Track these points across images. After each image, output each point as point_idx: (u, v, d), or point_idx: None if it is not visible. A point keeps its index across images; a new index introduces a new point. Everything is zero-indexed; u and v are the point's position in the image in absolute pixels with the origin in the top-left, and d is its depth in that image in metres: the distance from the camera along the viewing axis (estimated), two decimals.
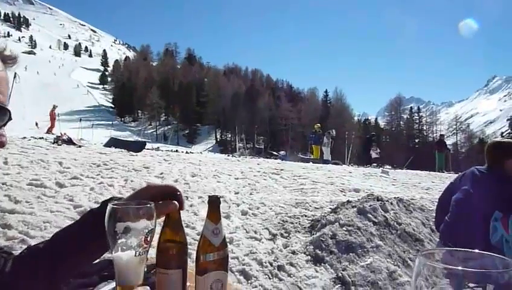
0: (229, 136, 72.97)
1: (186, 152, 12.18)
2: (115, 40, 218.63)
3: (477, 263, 0.39)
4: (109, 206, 0.80)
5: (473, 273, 0.37)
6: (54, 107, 23.51)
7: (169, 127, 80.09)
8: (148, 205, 0.86)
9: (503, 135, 74.98)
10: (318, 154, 18.03)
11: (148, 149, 10.27)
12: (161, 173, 5.95)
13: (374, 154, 20.24)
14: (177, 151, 11.86)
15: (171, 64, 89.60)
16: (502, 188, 2.69)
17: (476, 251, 0.42)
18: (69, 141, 9.01)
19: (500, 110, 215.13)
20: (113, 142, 9.50)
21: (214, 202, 0.85)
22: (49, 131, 21.32)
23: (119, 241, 0.81)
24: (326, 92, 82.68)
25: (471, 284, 0.38)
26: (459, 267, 0.37)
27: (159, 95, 76.01)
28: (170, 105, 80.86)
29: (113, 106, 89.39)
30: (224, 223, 4.21)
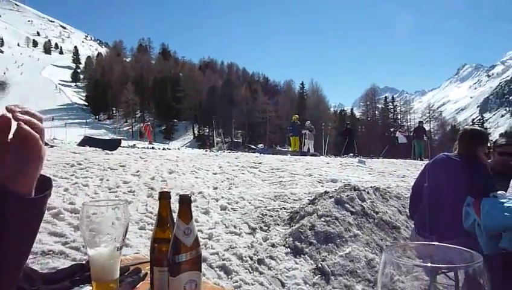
0: (207, 130, 72.49)
1: (163, 148, 12.01)
2: (86, 36, 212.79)
3: (443, 257, 0.39)
4: (83, 205, 0.85)
5: (438, 269, 0.36)
6: (146, 119, 26.96)
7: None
8: (121, 202, 0.88)
9: (474, 121, 77.33)
10: (297, 146, 18.19)
11: (123, 147, 10.08)
12: (137, 171, 5.85)
13: (402, 139, 19.90)
14: (153, 148, 11.67)
15: (145, 60, 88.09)
16: (473, 175, 2.77)
17: (443, 244, 0.41)
18: None
19: (471, 98, 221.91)
20: (87, 141, 9.27)
21: (185, 201, 0.83)
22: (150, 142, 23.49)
23: (97, 237, 0.84)
24: (302, 84, 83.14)
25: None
26: (425, 263, 0.36)
27: (133, 92, 74.66)
28: (146, 101, 79.65)
29: (86, 103, 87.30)
30: (204, 219, 4.19)
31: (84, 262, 1.09)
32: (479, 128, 3.21)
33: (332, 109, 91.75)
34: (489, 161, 3.74)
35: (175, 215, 0.86)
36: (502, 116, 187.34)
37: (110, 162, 6.35)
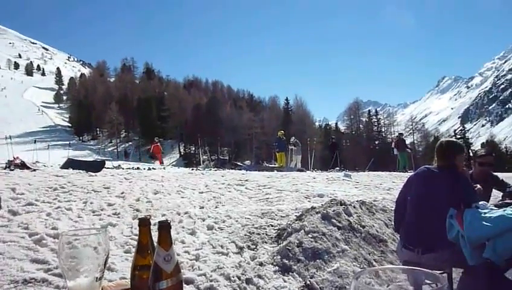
0: (193, 149, 72.14)
1: (149, 168, 11.90)
2: (68, 58, 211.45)
3: (404, 282, 0.40)
4: (61, 235, 0.84)
5: None
6: (156, 139, 24.58)
7: (130, 143, 78.14)
8: (99, 230, 0.87)
9: (456, 132, 78.81)
10: (283, 162, 18.26)
11: (108, 168, 9.95)
12: (122, 193, 5.77)
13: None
14: (138, 168, 11.55)
15: (129, 80, 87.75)
16: (454, 186, 2.82)
17: (408, 267, 0.42)
18: (23, 165, 8.57)
19: (452, 109, 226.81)
20: (70, 163, 9.11)
21: (164, 227, 0.83)
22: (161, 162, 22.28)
23: (76, 268, 0.82)
24: (287, 99, 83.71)
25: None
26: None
27: (118, 111, 74.08)
28: (130, 121, 79.03)
29: (70, 124, 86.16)
30: (190, 239, 4.14)
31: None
32: (453, 139, 3.28)
33: (317, 124, 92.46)
34: (470, 171, 3.82)
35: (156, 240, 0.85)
36: (483, 126, 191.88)
37: (94, 184, 6.26)
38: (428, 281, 0.40)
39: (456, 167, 2.91)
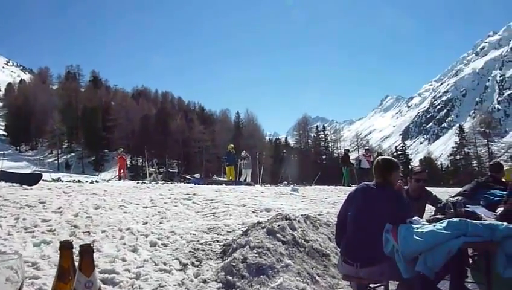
0: (140, 161, 70.05)
1: (91, 181, 11.36)
2: (7, 62, 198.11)
3: None
4: None
5: None
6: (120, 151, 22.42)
7: (72, 154, 74.30)
8: (15, 256, 0.80)
9: (397, 148, 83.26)
10: (233, 175, 18.25)
11: (46, 181, 9.37)
12: (59, 208, 5.45)
13: (364, 163, 18.02)
14: (79, 181, 10.99)
15: (73, 88, 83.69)
16: (390, 202, 2.96)
17: None
18: None
19: (394, 126, 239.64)
20: (2, 176, 8.47)
21: (86, 252, 0.79)
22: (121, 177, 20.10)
23: None
24: (238, 113, 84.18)
25: None
26: None
27: (60, 121, 70.33)
28: (74, 131, 75.30)
29: (5, 133, 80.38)
30: (131, 257, 3.98)
31: None
32: (389, 157, 3.47)
33: (267, 138, 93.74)
34: (406, 187, 4.03)
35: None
36: (421, 143, 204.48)
37: (29, 198, 5.86)
38: None
39: (392, 183, 3.06)
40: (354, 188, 3.48)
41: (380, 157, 3.47)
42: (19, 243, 4.06)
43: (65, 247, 0.86)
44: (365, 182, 3.22)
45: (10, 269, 0.78)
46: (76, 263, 0.82)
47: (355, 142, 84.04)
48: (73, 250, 0.88)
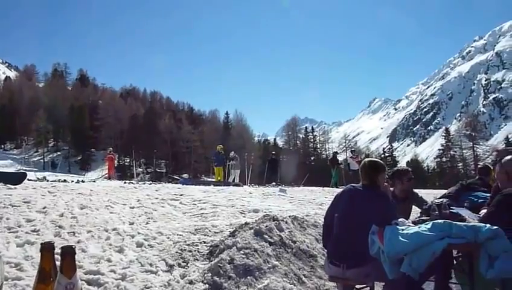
0: (128, 160, 69.44)
1: (77, 181, 11.21)
2: None
3: None
4: None
5: None
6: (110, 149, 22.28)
7: (58, 153, 73.31)
8: None
9: (385, 150, 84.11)
10: (221, 176, 18.23)
11: (31, 180, 9.20)
12: (44, 208, 5.36)
13: (353, 165, 17.66)
14: (65, 181, 10.83)
15: (60, 86, 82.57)
16: (376, 204, 2.98)
17: None
18: None
19: (381, 128, 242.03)
20: None
21: (68, 253, 0.78)
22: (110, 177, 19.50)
23: None
24: (227, 113, 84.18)
25: None
26: None
27: (46, 119, 69.32)
28: (60, 129, 74.30)
29: None
30: (117, 257, 3.94)
31: None
32: (376, 159, 3.50)
33: (256, 139, 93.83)
34: (391, 189, 4.07)
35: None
36: (408, 145, 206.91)
37: (12, 198, 5.75)
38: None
39: (379, 185, 3.09)
40: (341, 189, 3.49)
41: (366, 159, 3.50)
42: (1, 243, 3.98)
43: (46, 249, 0.84)
44: (352, 184, 3.24)
45: None
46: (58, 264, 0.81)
47: (343, 144, 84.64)
48: (55, 251, 0.87)
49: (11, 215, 4.85)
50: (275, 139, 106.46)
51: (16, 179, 7.82)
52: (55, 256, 0.87)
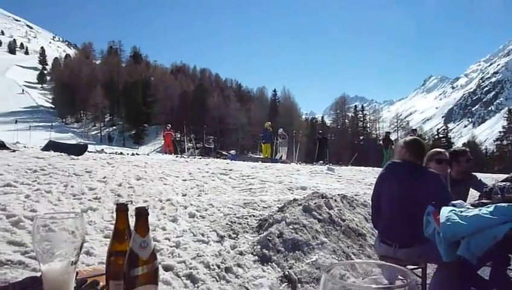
0: (178, 136, 71.75)
1: (132, 154, 11.78)
2: (53, 37, 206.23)
3: (378, 275, 0.41)
4: (35, 218, 0.82)
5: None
6: (169, 126, 21.76)
7: (114, 127, 77.16)
8: (76, 215, 0.86)
9: (439, 131, 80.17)
10: (268, 153, 18.32)
11: (91, 152, 9.81)
12: (104, 177, 5.71)
13: None
14: (121, 153, 11.42)
15: (115, 63, 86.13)
16: (428, 184, 2.87)
17: (378, 261, 0.43)
18: (2, 146, 8.38)
19: (436, 108, 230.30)
20: (51, 146, 8.94)
21: (142, 214, 0.82)
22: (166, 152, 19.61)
23: (51, 251, 0.80)
24: (274, 91, 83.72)
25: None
26: (361, 285, 0.37)
27: (103, 95, 72.95)
28: (115, 105, 77.93)
29: (53, 106, 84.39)
30: (171, 226, 4.13)
31: (37, 275, 1.05)
32: (419, 138, 3.34)
33: (303, 117, 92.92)
34: (448, 170, 3.89)
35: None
36: (465, 126, 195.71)
37: (76, 167, 6.16)
38: (400, 277, 0.41)
39: (426, 165, 2.97)
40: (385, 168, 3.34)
41: (411, 137, 3.34)
42: (67, 208, 4.30)
43: (121, 209, 0.90)
44: (394, 160, 3.13)
45: (75, 226, 0.83)
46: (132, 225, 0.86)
47: (395, 123, 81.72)
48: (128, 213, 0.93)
49: (75, 184, 5.20)
50: (322, 117, 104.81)
51: (78, 150, 8.36)
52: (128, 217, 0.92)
